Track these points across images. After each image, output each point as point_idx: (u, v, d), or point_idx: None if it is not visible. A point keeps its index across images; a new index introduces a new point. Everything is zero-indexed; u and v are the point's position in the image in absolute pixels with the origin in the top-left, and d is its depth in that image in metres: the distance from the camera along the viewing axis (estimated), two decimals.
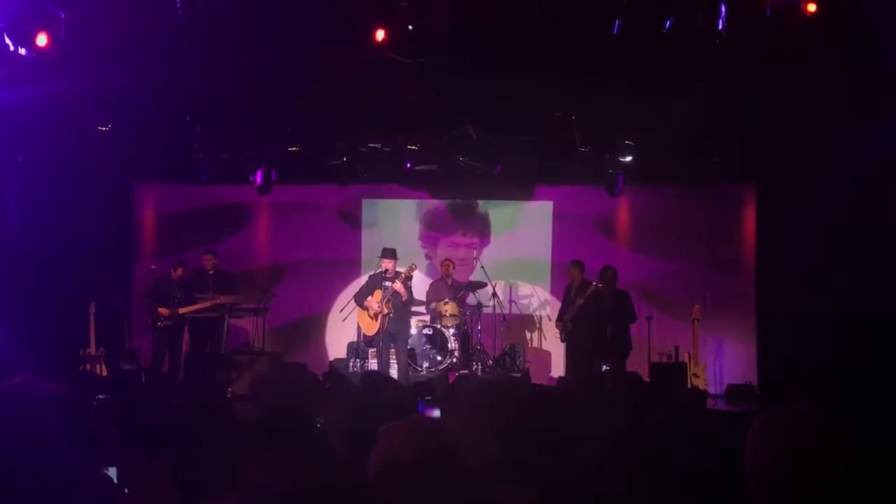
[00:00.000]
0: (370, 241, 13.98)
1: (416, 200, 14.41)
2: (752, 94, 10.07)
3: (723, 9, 8.44)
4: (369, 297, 11.27)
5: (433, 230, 14.40)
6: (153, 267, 12.10)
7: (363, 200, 14.38)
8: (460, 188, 14.03)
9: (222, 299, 11.83)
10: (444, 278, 13.16)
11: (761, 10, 8.39)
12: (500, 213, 14.40)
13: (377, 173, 13.35)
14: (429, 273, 13.84)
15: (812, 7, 8.29)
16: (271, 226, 14.49)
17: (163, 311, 11.56)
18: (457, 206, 14.27)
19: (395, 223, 14.35)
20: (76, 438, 2.48)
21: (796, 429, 2.55)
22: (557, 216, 14.10)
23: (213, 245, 12.76)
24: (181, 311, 11.64)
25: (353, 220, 14.37)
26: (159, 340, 11.77)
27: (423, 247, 14.35)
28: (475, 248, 14.06)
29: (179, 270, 11.89)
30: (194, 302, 11.80)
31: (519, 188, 14.08)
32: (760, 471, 2.54)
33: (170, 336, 11.78)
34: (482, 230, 14.37)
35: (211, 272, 12.39)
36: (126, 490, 2.64)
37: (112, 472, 2.63)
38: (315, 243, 14.28)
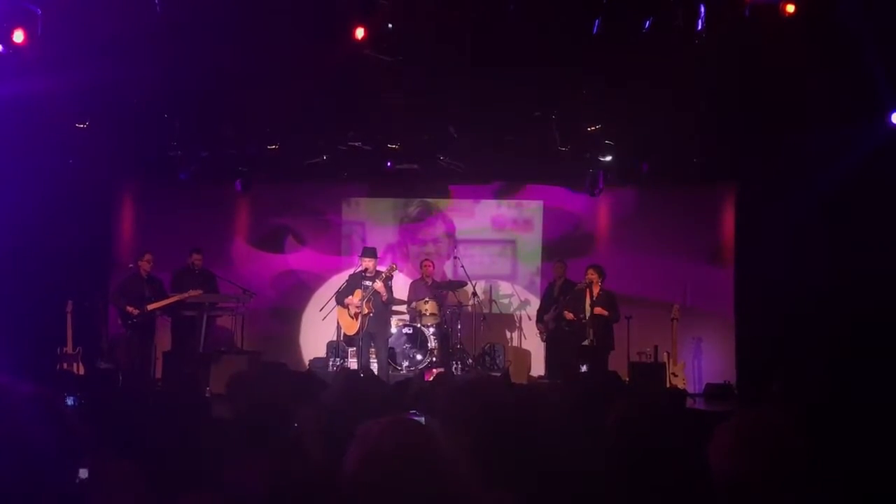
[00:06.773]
0: (349, 240, 14.01)
1: (396, 199, 14.39)
2: (730, 94, 10.10)
3: (702, 9, 8.48)
4: (350, 297, 11.22)
5: (409, 229, 14.41)
6: (131, 265, 11.96)
7: (343, 199, 14.35)
8: (439, 187, 14.06)
9: (190, 294, 11.66)
10: (423, 278, 13.14)
11: (740, 11, 8.43)
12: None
13: (357, 172, 13.33)
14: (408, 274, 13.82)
15: (791, 8, 8.34)
16: (251, 224, 14.43)
17: (132, 309, 11.41)
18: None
19: (376, 222, 14.33)
20: (52, 440, 2.46)
21: (763, 432, 2.55)
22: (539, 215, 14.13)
23: (192, 243, 12.62)
24: (150, 307, 11.50)
25: (332, 219, 14.33)
26: (131, 339, 11.63)
27: (400, 245, 14.34)
28: (453, 247, 14.05)
29: (146, 263, 11.70)
30: (163, 298, 11.68)
31: (501, 188, 14.13)
32: (724, 472, 2.54)
33: (140, 334, 11.62)
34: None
35: (196, 271, 12.30)
36: (97, 491, 2.61)
37: (84, 472, 2.61)
38: (295, 242, 14.26)
